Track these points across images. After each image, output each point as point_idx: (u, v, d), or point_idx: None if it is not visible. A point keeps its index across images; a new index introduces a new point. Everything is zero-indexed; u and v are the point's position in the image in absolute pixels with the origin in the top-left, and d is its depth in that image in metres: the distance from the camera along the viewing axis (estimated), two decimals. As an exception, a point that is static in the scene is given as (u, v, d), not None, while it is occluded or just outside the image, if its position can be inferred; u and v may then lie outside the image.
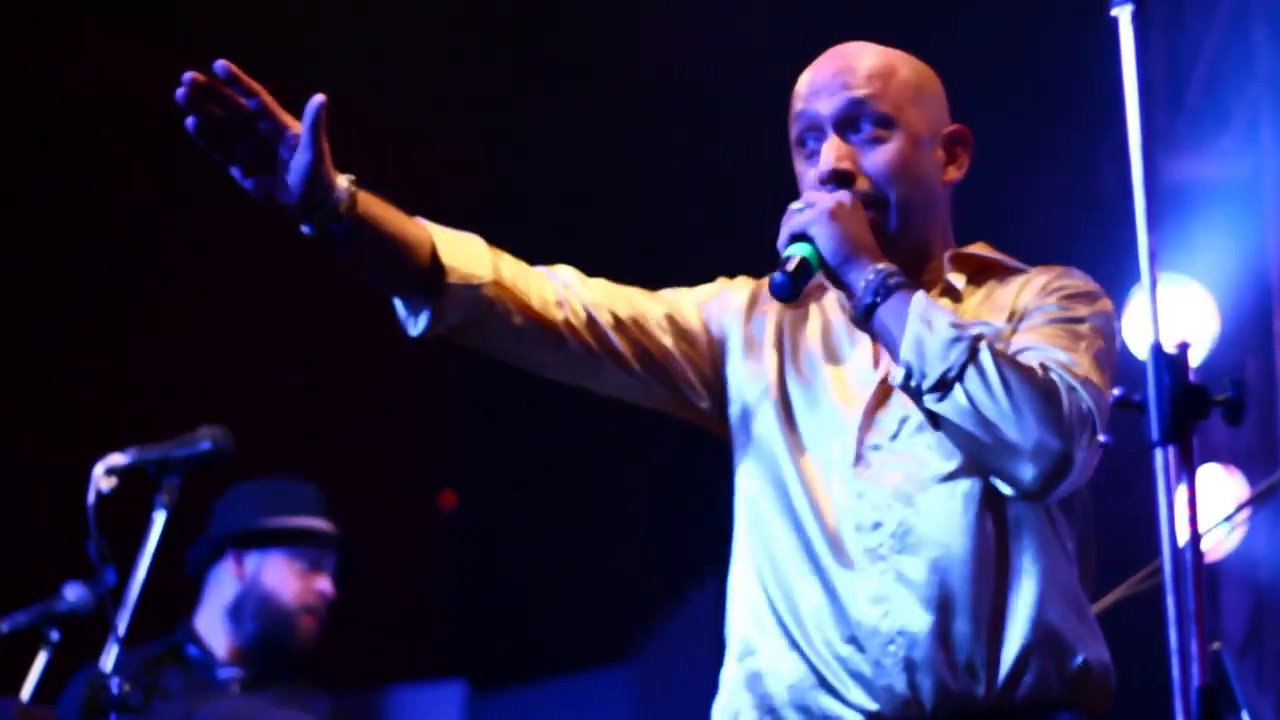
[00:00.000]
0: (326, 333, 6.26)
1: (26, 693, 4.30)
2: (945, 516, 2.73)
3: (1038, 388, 2.61)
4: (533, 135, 6.63)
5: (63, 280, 6.08)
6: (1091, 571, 2.83)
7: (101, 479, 3.90)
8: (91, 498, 3.88)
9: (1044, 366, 2.64)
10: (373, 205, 2.71)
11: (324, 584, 4.75)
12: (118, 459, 3.94)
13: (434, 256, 2.78)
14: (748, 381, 2.94)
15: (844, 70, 2.88)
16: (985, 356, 2.63)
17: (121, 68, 6.14)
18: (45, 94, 6.13)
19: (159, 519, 3.95)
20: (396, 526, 6.29)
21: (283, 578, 4.69)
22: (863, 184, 2.84)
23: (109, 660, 3.85)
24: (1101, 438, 2.62)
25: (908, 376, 2.66)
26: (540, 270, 2.93)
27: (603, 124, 6.41)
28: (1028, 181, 5.78)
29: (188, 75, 2.57)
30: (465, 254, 2.83)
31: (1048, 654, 2.69)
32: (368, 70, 6.21)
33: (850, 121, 2.86)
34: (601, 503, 7.17)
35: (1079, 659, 2.71)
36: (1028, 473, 2.62)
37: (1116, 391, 2.25)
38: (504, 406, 6.64)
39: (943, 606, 2.70)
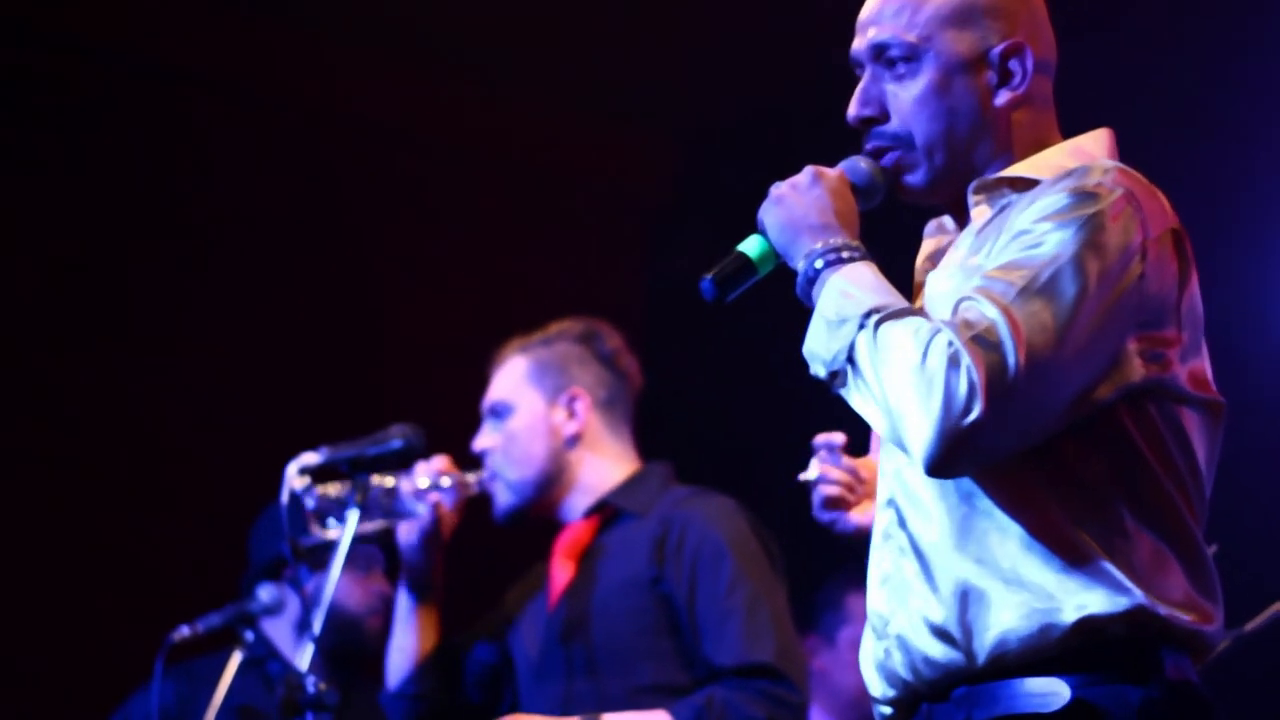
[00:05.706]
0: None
1: (220, 692, 4.29)
2: (928, 482, 2.54)
3: (907, 369, 2.41)
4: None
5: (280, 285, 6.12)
6: (1172, 509, 2.50)
7: (295, 478, 3.90)
8: (285, 497, 3.88)
9: (935, 332, 2.42)
10: None
11: (380, 584, 4.65)
12: (311, 458, 3.93)
13: None
14: None
15: (875, 2, 2.72)
16: (863, 340, 2.46)
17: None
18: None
19: (352, 517, 3.94)
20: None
21: (344, 588, 4.53)
22: (893, 123, 2.68)
23: (304, 659, 3.85)
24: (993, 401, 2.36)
25: (810, 367, 2.54)
26: None
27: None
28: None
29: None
30: None
31: (1032, 613, 2.46)
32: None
33: (881, 58, 2.69)
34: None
35: (1075, 614, 2.44)
36: (918, 455, 2.42)
37: None
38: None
39: (925, 579, 2.53)
